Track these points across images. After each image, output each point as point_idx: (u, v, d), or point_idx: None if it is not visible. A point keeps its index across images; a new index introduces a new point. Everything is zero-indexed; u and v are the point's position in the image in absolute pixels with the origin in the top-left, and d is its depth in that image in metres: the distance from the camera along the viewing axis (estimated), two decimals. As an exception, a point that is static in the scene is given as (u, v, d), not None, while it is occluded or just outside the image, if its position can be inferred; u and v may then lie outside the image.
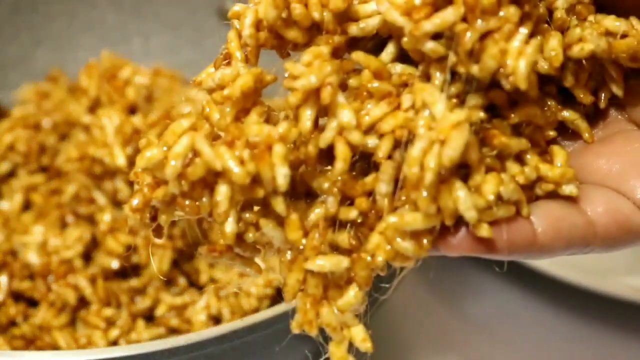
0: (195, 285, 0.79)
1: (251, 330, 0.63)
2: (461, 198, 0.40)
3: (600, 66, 0.45)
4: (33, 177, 0.84)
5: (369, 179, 0.43)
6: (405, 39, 0.42)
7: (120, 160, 0.77)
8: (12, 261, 0.77)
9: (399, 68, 0.43)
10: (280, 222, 0.43)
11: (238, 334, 0.63)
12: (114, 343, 0.74)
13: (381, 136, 0.42)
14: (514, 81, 0.40)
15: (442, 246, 0.41)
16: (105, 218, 0.78)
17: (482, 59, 0.40)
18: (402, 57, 0.44)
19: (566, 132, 0.46)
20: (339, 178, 0.42)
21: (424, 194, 0.40)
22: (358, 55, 0.43)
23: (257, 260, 0.45)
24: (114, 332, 0.74)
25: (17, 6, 0.96)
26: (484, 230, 0.41)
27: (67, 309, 0.75)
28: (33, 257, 0.77)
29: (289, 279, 0.43)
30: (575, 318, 0.92)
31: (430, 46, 0.41)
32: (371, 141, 0.42)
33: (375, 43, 0.44)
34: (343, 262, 0.42)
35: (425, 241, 0.41)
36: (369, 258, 0.42)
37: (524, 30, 0.41)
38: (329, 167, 0.43)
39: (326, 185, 0.43)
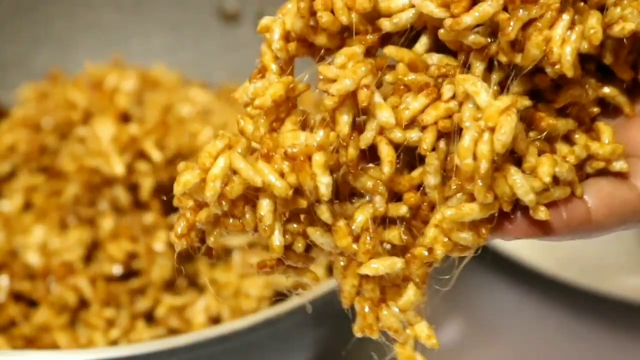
0: (195, 285, 0.79)
1: (251, 330, 0.63)
2: (518, 182, 0.40)
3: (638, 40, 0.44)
4: (33, 177, 0.84)
5: (415, 173, 0.42)
6: (442, 31, 0.41)
7: (118, 168, 0.77)
8: (12, 262, 0.77)
9: (435, 58, 0.43)
10: (328, 228, 0.42)
11: (238, 334, 0.63)
12: (114, 343, 0.74)
13: (424, 128, 0.41)
14: (560, 69, 0.40)
15: (499, 233, 0.41)
16: (107, 224, 0.78)
17: (526, 48, 0.40)
18: (437, 46, 0.43)
19: (605, 108, 0.45)
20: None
21: (480, 183, 0.39)
22: (390, 50, 0.42)
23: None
24: (114, 332, 0.74)
25: (17, 6, 0.96)
26: (542, 213, 0.40)
27: (67, 310, 0.75)
28: (33, 258, 0.77)
29: (344, 285, 0.43)
30: (574, 317, 0.92)
31: (472, 39, 0.41)
32: (414, 134, 0.41)
33: (407, 38, 0.44)
34: (397, 263, 0.42)
35: (483, 230, 0.41)
36: (425, 252, 0.42)
37: (566, 17, 0.40)
38: (372, 165, 0.42)
39: (371, 184, 0.42)
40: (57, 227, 0.79)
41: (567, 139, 0.43)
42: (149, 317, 0.77)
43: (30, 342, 0.74)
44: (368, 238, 0.42)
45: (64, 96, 0.86)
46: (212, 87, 0.95)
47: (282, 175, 0.40)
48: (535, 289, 0.95)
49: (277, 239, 0.41)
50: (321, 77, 0.41)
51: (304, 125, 0.42)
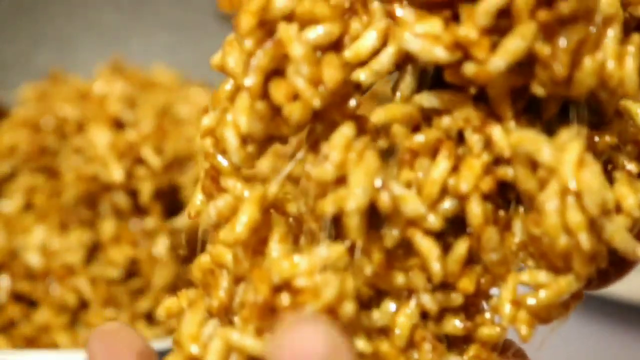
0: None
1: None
2: (619, 235, 0.32)
3: None
4: (34, 178, 0.84)
5: (460, 248, 0.34)
6: (448, 72, 0.32)
7: (118, 175, 0.77)
8: (12, 262, 0.77)
9: (433, 100, 0.34)
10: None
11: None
12: (114, 343, 0.74)
13: (461, 197, 0.33)
14: (624, 92, 0.33)
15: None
16: (107, 228, 0.78)
17: (578, 78, 0.32)
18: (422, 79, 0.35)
19: None
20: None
21: (581, 258, 0.32)
22: (379, 117, 0.33)
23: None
24: (114, 333, 0.74)
25: (17, 6, 0.96)
26: None
27: (68, 310, 0.75)
28: (33, 259, 0.77)
29: None
30: (575, 317, 0.92)
31: (507, 83, 0.32)
32: (447, 204, 0.33)
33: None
34: None
35: (575, 302, 0.35)
36: (494, 330, 0.35)
37: (611, 31, 0.32)
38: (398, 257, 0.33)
39: (404, 280, 0.33)
40: (57, 227, 0.79)
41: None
42: (149, 318, 0.77)
43: (30, 342, 0.74)
44: (427, 346, 0.33)
45: (54, 113, 0.85)
46: (212, 87, 0.95)
47: None
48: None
49: None
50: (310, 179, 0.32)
51: (295, 238, 0.34)
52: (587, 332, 0.91)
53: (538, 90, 0.32)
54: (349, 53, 0.33)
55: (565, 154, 0.31)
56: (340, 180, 0.32)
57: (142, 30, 0.99)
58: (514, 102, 0.33)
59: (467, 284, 0.34)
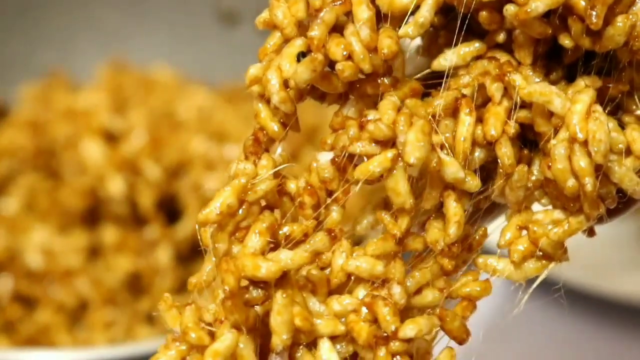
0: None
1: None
2: (628, 177, 0.34)
3: None
4: (34, 178, 0.84)
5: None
6: (484, 14, 0.34)
7: (116, 188, 0.77)
8: (13, 262, 0.77)
9: (453, 57, 0.35)
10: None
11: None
12: (114, 343, 0.74)
13: (489, 144, 0.35)
14: None
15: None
16: (109, 236, 0.78)
17: (608, 34, 0.33)
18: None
19: None
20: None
21: (588, 200, 0.34)
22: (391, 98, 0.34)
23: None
24: (114, 332, 0.74)
25: (17, 6, 0.96)
26: None
27: (68, 310, 0.75)
28: (34, 260, 0.77)
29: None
30: (574, 317, 0.92)
31: (539, 29, 0.34)
32: (477, 153, 0.35)
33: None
34: (433, 321, 0.35)
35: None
36: (479, 286, 0.36)
37: None
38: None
39: (380, 270, 0.35)
40: (58, 228, 0.79)
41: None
42: (149, 317, 0.77)
43: (30, 342, 0.74)
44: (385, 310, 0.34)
45: (45, 130, 0.84)
46: (212, 87, 0.95)
47: None
48: (535, 288, 0.95)
49: None
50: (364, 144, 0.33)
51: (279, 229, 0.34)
52: (586, 332, 0.91)
53: (566, 41, 0.34)
54: (380, 1, 0.34)
55: (575, 104, 0.33)
56: (387, 143, 0.33)
57: (142, 30, 0.99)
58: (535, 50, 0.35)
59: (447, 264, 0.35)
